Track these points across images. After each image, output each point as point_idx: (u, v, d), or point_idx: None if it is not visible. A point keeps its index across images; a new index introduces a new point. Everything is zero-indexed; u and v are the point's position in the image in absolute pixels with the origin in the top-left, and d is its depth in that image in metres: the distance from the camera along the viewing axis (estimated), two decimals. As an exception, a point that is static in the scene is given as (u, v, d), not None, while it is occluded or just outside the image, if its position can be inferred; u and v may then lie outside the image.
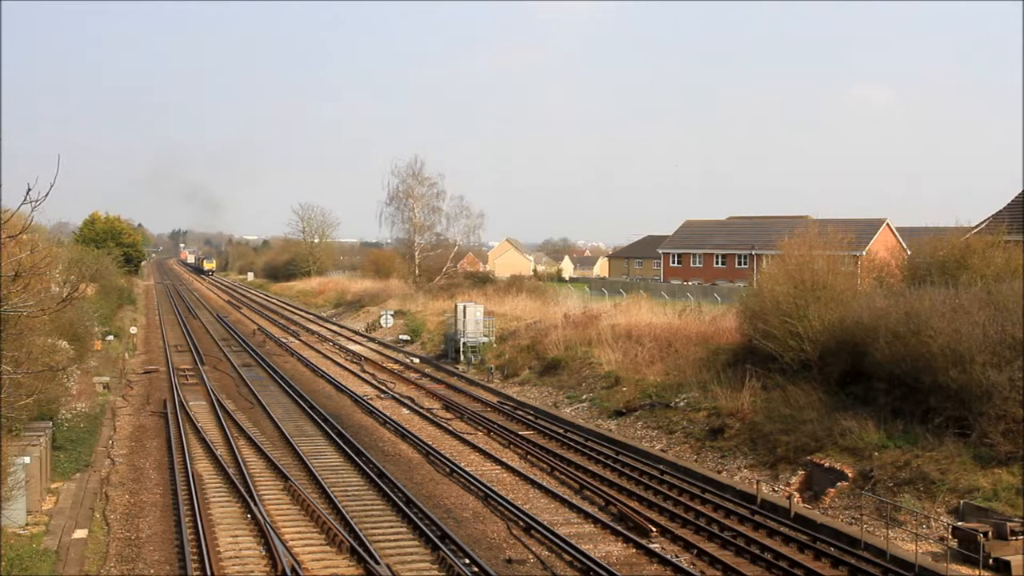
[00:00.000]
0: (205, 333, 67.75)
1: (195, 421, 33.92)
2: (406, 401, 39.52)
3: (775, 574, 19.34)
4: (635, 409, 33.93)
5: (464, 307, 50.33)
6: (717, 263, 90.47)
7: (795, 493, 24.53)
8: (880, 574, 18.94)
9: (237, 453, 28.74)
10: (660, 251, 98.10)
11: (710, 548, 20.66)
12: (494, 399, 40.33)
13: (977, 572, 18.52)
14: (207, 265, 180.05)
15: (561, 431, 33.13)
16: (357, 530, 20.89)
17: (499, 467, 28.37)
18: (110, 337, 54.01)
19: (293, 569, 18.36)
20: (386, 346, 60.16)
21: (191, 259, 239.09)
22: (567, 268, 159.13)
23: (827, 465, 24.78)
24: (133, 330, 62.53)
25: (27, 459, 21.53)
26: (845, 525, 22.05)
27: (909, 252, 47.44)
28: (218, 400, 38.34)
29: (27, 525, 21.26)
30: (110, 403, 37.85)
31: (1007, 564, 18.80)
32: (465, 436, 32.40)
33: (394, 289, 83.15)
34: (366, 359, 53.37)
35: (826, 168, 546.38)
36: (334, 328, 72.51)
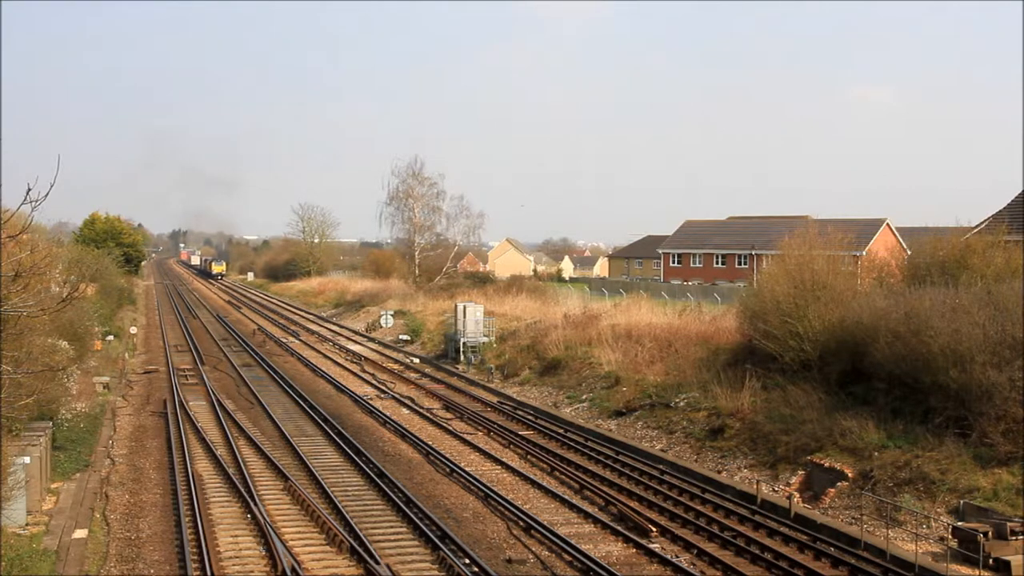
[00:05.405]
0: (205, 333, 67.74)
1: (195, 421, 33.91)
2: (406, 401, 39.52)
3: (775, 574, 19.34)
4: (635, 409, 33.93)
5: (464, 307, 50.31)
6: (717, 263, 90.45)
7: (795, 493, 24.53)
8: (880, 574, 18.95)
9: (237, 453, 28.74)
10: (660, 251, 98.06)
11: (710, 548, 20.66)
12: (494, 399, 40.32)
13: (977, 572, 18.52)
14: (215, 268, 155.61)
15: (561, 431, 33.13)
16: (357, 530, 20.89)
17: (499, 467, 28.37)
18: (110, 337, 53.97)
19: (293, 569, 18.35)
20: (386, 346, 60.15)
21: (195, 260, 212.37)
22: (567, 268, 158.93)
23: (827, 465, 24.78)
24: (133, 330, 62.51)
25: (27, 459, 21.54)
26: (845, 525, 22.04)
27: (909, 252, 47.44)
28: (218, 400, 38.34)
29: (27, 525, 21.27)
30: (110, 403, 37.85)
31: (1007, 564, 18.80)
32: (465, 436, 32.40)
33: (394, 289, 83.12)
34: (366, 359, 53.36)
35: (826, 168, 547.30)
36: (334, 328, 72.50)
